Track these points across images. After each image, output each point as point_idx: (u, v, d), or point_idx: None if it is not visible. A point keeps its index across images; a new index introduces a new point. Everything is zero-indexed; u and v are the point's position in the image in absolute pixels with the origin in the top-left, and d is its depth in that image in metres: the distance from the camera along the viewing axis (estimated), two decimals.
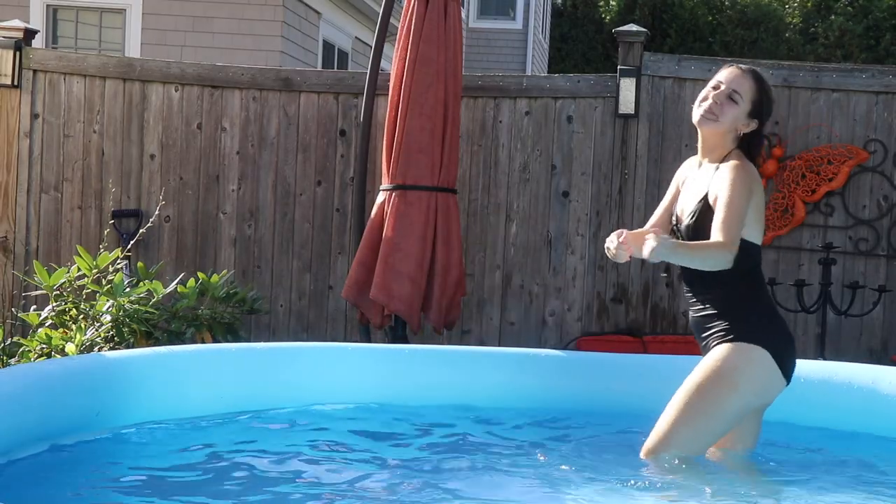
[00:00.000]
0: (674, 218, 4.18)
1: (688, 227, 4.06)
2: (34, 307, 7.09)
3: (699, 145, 4.15)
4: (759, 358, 3.99)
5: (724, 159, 4.04)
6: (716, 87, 4.05)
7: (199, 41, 11.11)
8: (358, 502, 3.65)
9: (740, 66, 4.13)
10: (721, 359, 4.01)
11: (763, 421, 4.91)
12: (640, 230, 4.12)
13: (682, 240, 4.06)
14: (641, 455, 4.05)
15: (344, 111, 7.68)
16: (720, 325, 4.05)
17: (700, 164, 4.15)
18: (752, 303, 4.07)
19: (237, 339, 6.61)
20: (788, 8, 21.05)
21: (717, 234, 3.88)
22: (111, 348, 5.90)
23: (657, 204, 7.47)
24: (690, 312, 4.18)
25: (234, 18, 11.20)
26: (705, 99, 4.05)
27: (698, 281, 4.08)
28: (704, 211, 4.01)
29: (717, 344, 4.04)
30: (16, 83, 7.71)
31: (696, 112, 4.07)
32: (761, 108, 4.07)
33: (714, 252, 3.87)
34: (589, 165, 7.51)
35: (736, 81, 4.05)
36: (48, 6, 11.43)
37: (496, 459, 4.21)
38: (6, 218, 7.75)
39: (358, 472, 4.00)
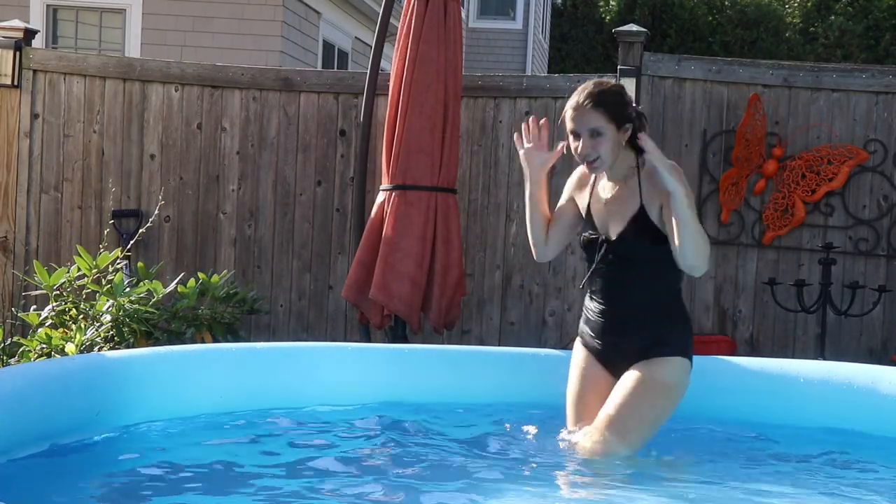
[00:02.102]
0: (589, 234, 4.25)
1: (623, 241, 4.14)
2: (34, 307, 7.09)
3: (608, 177, 4.26)
4: (689, 370, 4.23)
5: (636, 170, 4.15)
6: (575, 136, 4.13)
7: (199, 41, 11.11)
8: (358, 502, 3.65)
9: (575, 103, 4.13)
10: (671, 375, 4.16)
11: (763, 421, 4.93)
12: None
13: (613, 257, 4.17)
14: (586, 455, 4.09)
15: (344, 111, 7.68)
16: (659, 333, 4.16)
17: (606, 179, 4.23)
18: (681, 305, 4.27)
19: (237, 339, 6.61)
20: (788, 8, 21.05)
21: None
22: (111, 348, 5.90)
23: None
24: (607, 309, 4.23)
25: (234, 18, 11.20)
26: (577, 151, 4.13)
27: (645, 275, 4.15)
28: (644, 225, 4.10)
29: (662, 356, 4.15)
30: (16, 83, 7.71)
31: (584, 167, 4.20)
32: (622, 113, 4.10)
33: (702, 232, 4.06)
34: None
35: (586, 121, 4.09)
36: (48, 6, 11.43)
37: (495, 458, 4.21)
38: (6, 218, 7.75)
39: (358, 473, 4.00)
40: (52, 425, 4.13)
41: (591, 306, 4.30)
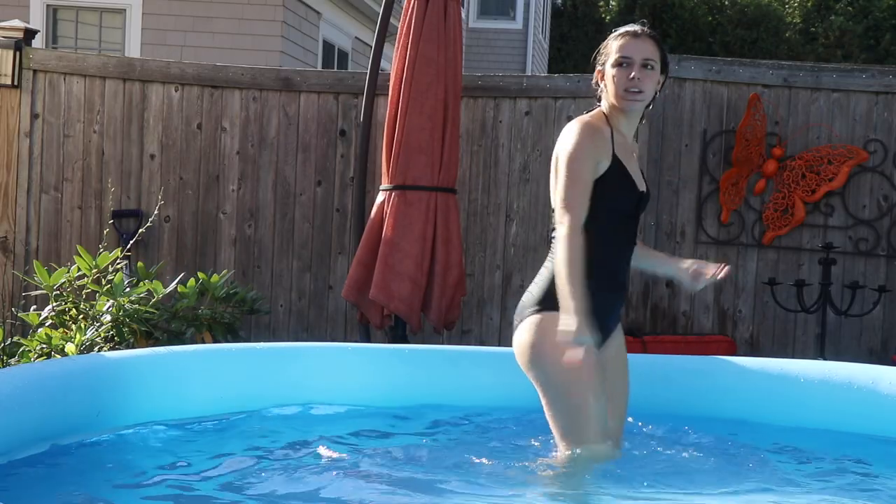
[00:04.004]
0: (636, 194, 3.94)
1: (649, 196, 4.06)
2: (34, 307, 7.09)
3: (623, 126, 3.96)
4: None
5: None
6: (627, 63, 3.87)
7: (199, 41, 11.11)
8: (356, 502, 3.65)
9: (634, 31, 3.95)
10: None
11: (763, 421, 4.93)
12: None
13: (638, 214, 3.99)
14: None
15: (344, 111, 7.68)
16: None
17: (622, 136, 3.97)
18: None
19: (237, 339, 6.61)
20: (788, 8, 21.05)
21: None
22: (111, 348, 5.90)
23: (656, 204, 7.51)
24: (613, 291, 3.98)
25: (234, 18, 11.20)
26: (622, 80, 3.86)
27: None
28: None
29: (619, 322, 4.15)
30: (16, 83, 7.71)
31: (622, 99, 3.88)
32: (666, 61, 4.00)
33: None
34: None
35: (642, 49, 3.90)
36: (48, 6, 11.43)
37: (494, 459, 4.21)
38: (6, 218, 7.75)
39: (357, 473, 4.00)
40: (52, 426, 4.13)
41: (598, 278, 3.82)
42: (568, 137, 3.86)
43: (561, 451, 3.90)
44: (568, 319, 3.63)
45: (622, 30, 3.99)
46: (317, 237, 7.71)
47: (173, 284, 6.34)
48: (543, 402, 3.91)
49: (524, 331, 3.90)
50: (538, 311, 3.88)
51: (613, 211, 3.89)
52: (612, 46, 3.94)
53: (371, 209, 6.80)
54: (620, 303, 4.05)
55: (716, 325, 7.44)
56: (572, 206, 3.77)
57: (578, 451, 3.85)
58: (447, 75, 6.63)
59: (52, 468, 3.95)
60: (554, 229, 3.91)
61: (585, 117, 3.94)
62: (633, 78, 3.88)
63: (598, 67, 4.00)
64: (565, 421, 3.86)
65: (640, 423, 4.50)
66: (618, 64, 3.90)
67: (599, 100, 4.03)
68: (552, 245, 3.92)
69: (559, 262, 3.72)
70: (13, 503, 3.46)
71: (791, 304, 7.12)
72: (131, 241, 7.15)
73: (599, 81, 4.00)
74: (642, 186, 4.01)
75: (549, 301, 3.85)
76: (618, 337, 4.10)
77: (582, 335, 3.61)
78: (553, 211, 3.94)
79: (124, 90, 7.77)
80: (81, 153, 7.78)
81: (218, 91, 7.73)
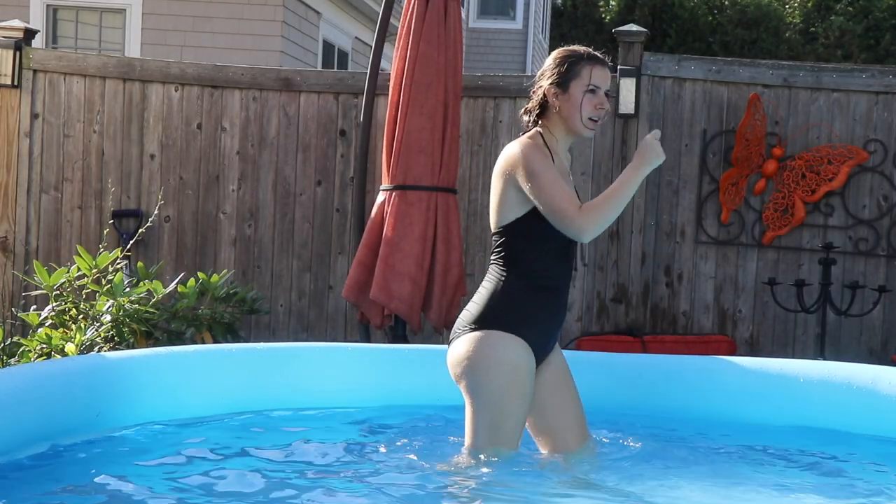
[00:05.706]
0: None
1: None
2: (34, 307, 7.10)
3: (561, 150, 3.94)
4: None
5: None
6: (594, 92, 3.84)
7: (199, 41, 11.11)
8: (356, 502, 3.66)
9: (602, 59, 3.89)
10: None
11: (763, 421, 4.93)
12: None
13: None
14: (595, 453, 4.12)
15: (344, 111, 7.68)
16: None
17: (559, 159, 3.92)
18: None
19: (237, 339, 6.62)
20: (788, 8, 21.04)
21: None
22: (111, 348, 5.90)
23: (656, 204, 7.51)
24: (557, 312, 4.07)
25: (234, 18, 11.20)
26: (589, 108, 3.83)
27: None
28: None
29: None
30: (16, 83, 7.71)
31: (584, 126, 3.85)
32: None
33: None
34: (589, 165, 7.51)
35: (608, 79, 3.90)
36: (48, 6, 11.43)
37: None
38: (6, 218, 7.75)
39: (357, 473, 4.01)
40: (53, 426, 4.13)
41: (544, 298, 3.98)
42: (519, 156, 3.81)
43: (465, 455, 3.92)
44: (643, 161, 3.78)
45: (591, 54, 3.92)
46: (317, 237, 7.71)
47: (173, 284, 6.34)
48: (468, 410, 3.92)
49: (462, 344, 3.96)
50: (476, 329, 3.98)
51: (553, 235, 3.85)
52: (582, 71, 3.85)
53: (371, 209, 6.80)
54: (562, 320, 4.11)
55: (716, 325, 7.45)
56: (564, 206, 3.76)
57: (484, 456, 3.88)
58: (447, 75, 6.63)
59: (52, 468, 3.95)
60: (493, 251, 4.00)
61: (525, 139, 3.88)
62: (601, 107, 3.87)
63: (553, 88, 3.87)
64: (485, 433, 3.88)
65: (639, 424, 4.50)
66: (590, 91, 3.85)
67: (536, 119, 3.92)
68: (490, 267, 4.04)
69: (612, 208, 3.77)
70: (13, 503, 3.46)
71: (791, 304, 7.12)
72: (131, 241, 7.15)
73: (554, 101, 3.87)
74: None
75: (487, 320, 3.98)
76: (556, 355, 4.15)
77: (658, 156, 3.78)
78: (493, 232, 3.96)
79: (124, 90, 7.77)
80: (81, 153, 7.78)
81: (218, 91, 7.73)
